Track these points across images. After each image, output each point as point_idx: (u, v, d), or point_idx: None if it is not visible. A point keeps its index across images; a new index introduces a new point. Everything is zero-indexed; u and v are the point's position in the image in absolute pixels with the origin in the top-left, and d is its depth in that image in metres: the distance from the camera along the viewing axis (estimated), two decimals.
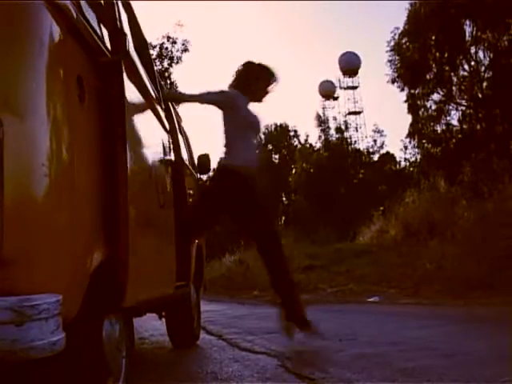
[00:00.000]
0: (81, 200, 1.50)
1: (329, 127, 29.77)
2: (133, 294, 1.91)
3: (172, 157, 3.20)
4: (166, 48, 16.65)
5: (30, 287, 1.21)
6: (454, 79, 17.36)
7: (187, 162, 4.10)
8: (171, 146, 3.26)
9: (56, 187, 1.32)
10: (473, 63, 16.72)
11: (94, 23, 1.85)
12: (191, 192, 3.85)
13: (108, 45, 1.96)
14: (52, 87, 1.36)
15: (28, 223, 1.23)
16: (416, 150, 19.63)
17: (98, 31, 1.89)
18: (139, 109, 2.30)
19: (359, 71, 37.09)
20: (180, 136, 3.92)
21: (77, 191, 1.47)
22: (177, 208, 3.13)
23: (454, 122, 18.19)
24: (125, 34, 2.05)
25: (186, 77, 19.61)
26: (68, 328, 1.30)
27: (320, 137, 29.56)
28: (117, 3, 2.13)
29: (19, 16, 1.33)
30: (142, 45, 2.92)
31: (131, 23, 2.53)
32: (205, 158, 4.75)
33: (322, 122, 29.89)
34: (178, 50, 16.75)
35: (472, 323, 4.45)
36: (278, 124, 33.69)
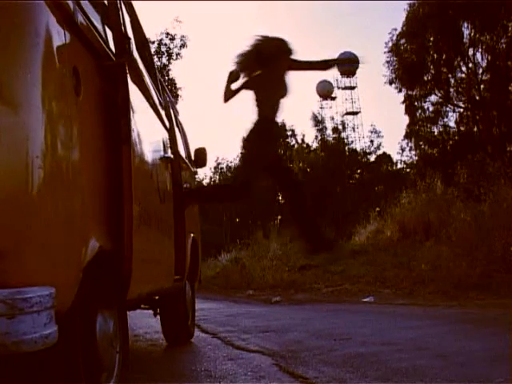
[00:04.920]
0: (75, 193, 1.49)
1: (325, 127, 29.80)
2: (136, 286, 1.94)
3: (171, 154, 3.22)
4: (165, 44, 16.63)
5: (22, 280, 1.20)
6: (452, 81, 17.41)
7: (184, 156, 4.11)
8: (170, 143, 3.28)
9: (49, 180, 1.31)
10: (470, 65, 16.77)
11: (99, 25, 1.86)
12: (188, 186, 3.86)
13: (111, 45, 1.98)
14: (47, 79, 1.34)
15: (21, 216, 1.22)
16: (413, 151, 19.71)
17: (102, 33, 1.89)
18: (142, 108, 2.32)
19: (357, 71, 37.12)
20: (177, 130, 3.95)
21: (70, 184, 1.46)
22: (175, 203, 3.16)
23: (451, 124, 18.27)
24: (129, 38, 2.07)
25: (184, 73, 19.65)
26: (61, 321, 1.29)
27: (316, 137, 29.60)
28: (121, 6, 2.14)
29: (15, 8, 1.32)
30: (143, 44, 2.94)
31: (133, 24, 2.54)
32: (201, 152, 4.76)
33: (318, 122, 29.91)
34: (176, 46, 16.74)
35: (466, 324, 4.45)
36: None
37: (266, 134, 3.71)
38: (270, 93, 3.75)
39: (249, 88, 3.79)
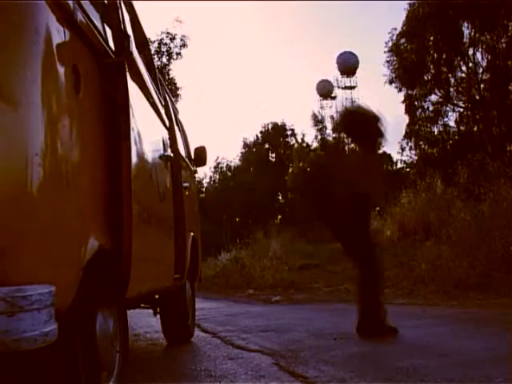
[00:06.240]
0: (74, 191, 1.49)
1: (325, 127, 29.82)
2: (135, 285, 1.93)
3: (170, 152, 3.22)
4: (166, 44, 16.64)
5: (22, 278, 1.19)
6: (452, 80, 17.43)
7: (184, 155, 4.10)
8: (170, 141, 3.28)
9: (49, 178, 1.31)
10: (470, 65, 16.78)
11: (98, 24, 1.86)
12: (187, 185, 3.86)
13: (111, 43, 1.98)
14: (47, 76, 1.34)
15: (20, 214, 1.22)
16: (413, 151, 19.74)
17: (102, 32, 1.89)
18: (141, 106, 2.31)
19: (357, 71, 37.10)
20: (177, 129, 3.94)
21: (70, 182, 1.45)
22: (175, 201, 3.15)
23: (451, 124, 18.29)
24: (128, 36, 2.07)
25: (184, 73, 19.70)
26: (61, 320, 1.28)
27: (316, 136, 29.63)
28: (120, 4, 2.14)
29: (15, 6, 1.32)
30: (142, 42, 2.94)
31: (133, 22, 2.54)
32: (201, 151, 4.76)
33: (318, 121, 29.92)
34: (176, 46, 16.75)
35: (467, 324, 4.45)
36: (275, 123, 33.74)
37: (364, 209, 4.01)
38: (371, 171, 4.07)
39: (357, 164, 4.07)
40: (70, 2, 1.53)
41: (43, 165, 1.27)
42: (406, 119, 18.85)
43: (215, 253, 15.59)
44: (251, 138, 34.29)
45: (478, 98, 16.77)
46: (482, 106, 16.42)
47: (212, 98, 71.08)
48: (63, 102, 1.43)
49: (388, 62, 17.62)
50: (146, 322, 5.22)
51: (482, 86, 16.71)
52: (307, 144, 30.81)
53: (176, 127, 3.89)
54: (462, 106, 17.54)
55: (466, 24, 16.25)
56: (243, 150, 34.43)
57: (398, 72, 17.20)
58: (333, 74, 37.03)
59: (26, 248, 1.22)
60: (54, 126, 1.36)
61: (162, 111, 3.13)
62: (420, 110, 18.17)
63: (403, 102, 18.14)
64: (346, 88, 37.64)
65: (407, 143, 19.78)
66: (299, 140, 32.28)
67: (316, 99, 37.04)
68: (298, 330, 4.37)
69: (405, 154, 20.93)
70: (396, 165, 28.31)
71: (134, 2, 2.78)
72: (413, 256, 8.75)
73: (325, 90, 35.89)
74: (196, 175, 5.19)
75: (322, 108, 34.26)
